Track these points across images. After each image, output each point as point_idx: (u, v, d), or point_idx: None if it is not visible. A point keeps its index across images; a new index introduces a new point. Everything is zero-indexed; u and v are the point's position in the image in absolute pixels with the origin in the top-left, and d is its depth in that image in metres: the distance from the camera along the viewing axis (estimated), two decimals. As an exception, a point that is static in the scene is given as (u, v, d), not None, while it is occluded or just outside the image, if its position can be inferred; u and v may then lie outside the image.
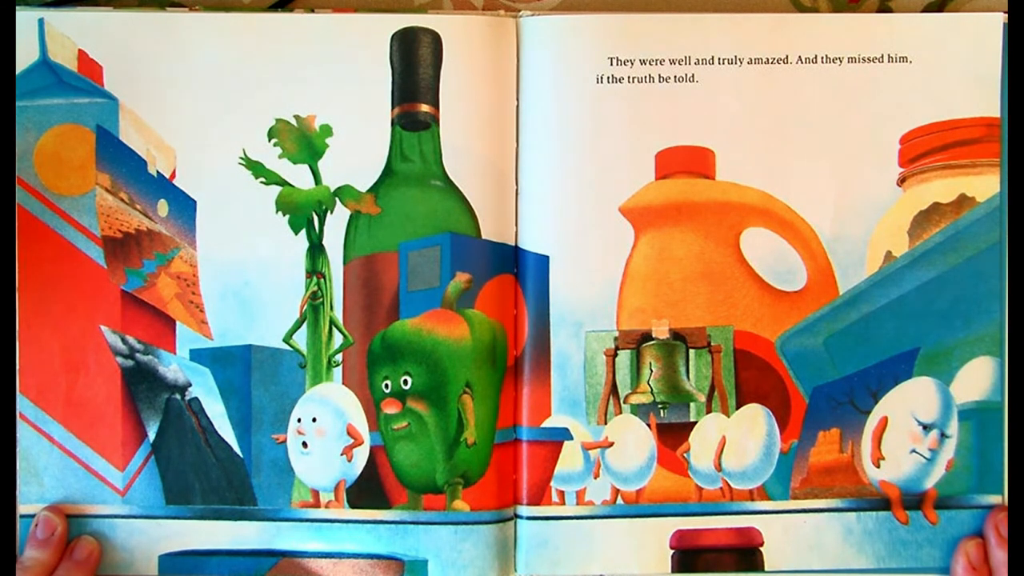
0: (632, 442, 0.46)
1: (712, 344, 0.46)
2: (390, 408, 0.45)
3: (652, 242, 0.46)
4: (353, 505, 0.45)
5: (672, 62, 0.45)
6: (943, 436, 0.46)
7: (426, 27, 0.44)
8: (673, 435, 0.47)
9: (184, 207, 0.45)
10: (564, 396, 0.46)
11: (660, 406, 0.47)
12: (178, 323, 0.45)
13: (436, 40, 0.44)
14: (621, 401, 0.46)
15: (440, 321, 0.45)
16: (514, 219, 0.46)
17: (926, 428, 0.46)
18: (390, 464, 0.45)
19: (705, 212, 0.46)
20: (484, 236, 0.45)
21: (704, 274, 0.46)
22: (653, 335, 0.46)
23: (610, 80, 0.45)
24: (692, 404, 0.47)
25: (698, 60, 0.45)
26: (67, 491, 0.45)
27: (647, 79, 0.45)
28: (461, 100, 0.45)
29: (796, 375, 0.47)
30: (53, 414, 0.45)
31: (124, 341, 0.45)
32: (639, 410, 0.46)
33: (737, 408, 0.47)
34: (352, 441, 0.45)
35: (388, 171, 0.45)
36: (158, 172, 0.45)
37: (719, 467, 0.46)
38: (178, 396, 0.45)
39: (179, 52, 0.45)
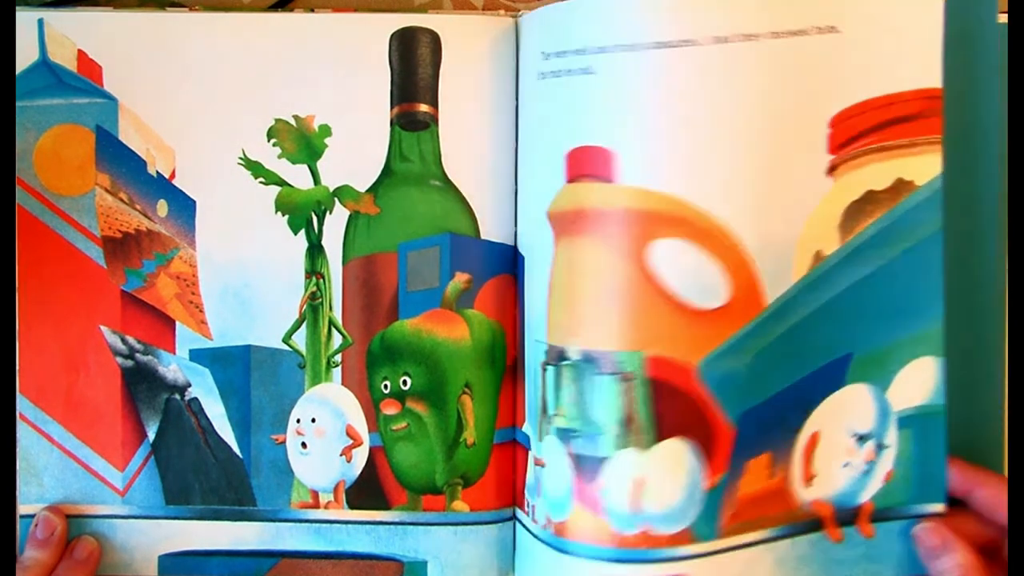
0: (555, 467, 0.42)
1: (623, 372, 0.40)
2: (389, 409, 0.45)
3: (566, 252, 0.41)
4: (352, 506, 0.45)
5: (574, 52, 0.40)
6: (880, 447, 0.42)
7: (425, 27, 0.44)
8: (589, 468, 0.41)
9: (184, 207, 0.45)
10: (530, 404, 0.44)
11: (573, 434, 0.41)
12: (178, 323, 0.45)
13: (435, 40, 0.44)
14: (547, 422, 0.42)
15: (439, 321, 0.45)
16: (514, 219, 0.45)
17: (861, 439, 0.42)
18: (389, 465, 0.45)
19: (609, 221, 0.40)
20: (484, 236, 0.45)
21: (611, 291, 0.40)
22: (567, 355, 0.41)
23: (544, 76, 0.42)
24: (602, 436, 0.41)
25: (595, 49, 0.40)
26: (67, 491, 0.45)
27: (558, 73, 0.41)
28: (460, 100, 0.45)
29: (722, 402, 0.40)
30: (53, 414, 0.45)
31: (124, 341, 0.45)
32: (561, 434, 0.42)
33: (656, 443, 0.40)
34: (351, 442, 0.45)
35: (387, 171, 0.45)
36: (158, 172, 0.45)
37: (637, 510, 0.40)
38: (178, 396, 0.45)
39: (179, 52, 0.45)
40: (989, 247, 0.43)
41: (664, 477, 0.40)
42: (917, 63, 0.41)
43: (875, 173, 0.41)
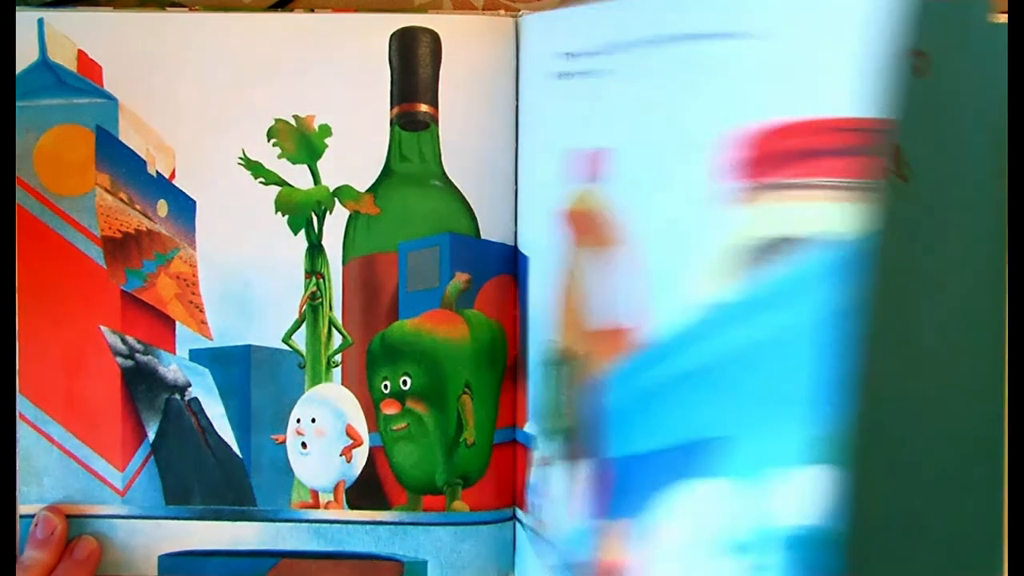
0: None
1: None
2: (389, 409, 0.45)
3: (582, 252, 0.41)
4: (352, 506, 0.45)
5: (594, 54, 0.40)
6: (754, 567, 0.34)
7: (425, 27, 0.44)
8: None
9: (184, 207, 0.45)
10: (534, 402, 0.44)
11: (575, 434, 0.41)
12: (178, 323, 0.45)
13: (435, 40, 0.44)
14: (556, 420, 0.42)
15: (439, 321, 0.45)
16: (514, 219, 0.45)
17: (732, 551, 0.34)
18: (389, 465, 0.45)
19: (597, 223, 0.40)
20: (484, 236, 0.45)
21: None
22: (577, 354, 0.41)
23: (562, 76, 0.42)
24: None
25: (615, 49, 0.39)
26: (67, 491, 0.45)
27: (582, 74, 0.41)
28: (461, 100, 0.45)
29: (612, 434, 0.38)
30: (53, 414, 0.45)
31: (124, 341, 0.45)
32: (565, 434, 0.42)
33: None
34: (351, 442, 0.45)
35: (387, 171, 0.45)
36: (158, 172, 0.45)
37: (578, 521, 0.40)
38: (178, 396, 0.45)
39: (179, 52, 0.45)
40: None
41: (582, 494, 0.40)
42: (855, 85, 0.32)
43: (784, 215, 0.34)
